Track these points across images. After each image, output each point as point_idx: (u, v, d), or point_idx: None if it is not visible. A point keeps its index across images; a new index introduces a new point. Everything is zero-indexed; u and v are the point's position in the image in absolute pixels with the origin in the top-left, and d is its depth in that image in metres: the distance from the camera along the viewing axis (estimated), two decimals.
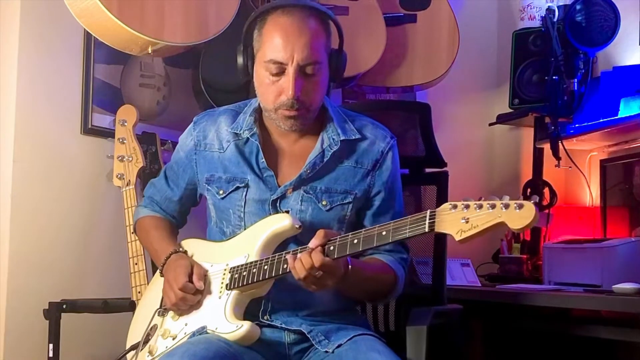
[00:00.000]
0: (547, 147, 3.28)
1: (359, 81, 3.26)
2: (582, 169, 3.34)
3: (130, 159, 2.71)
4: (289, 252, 1.82)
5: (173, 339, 1.93)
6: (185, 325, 1.94)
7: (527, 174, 3.49)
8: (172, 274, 1.94)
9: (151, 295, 2.09)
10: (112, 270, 2.85)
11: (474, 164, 3.83)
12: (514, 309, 2.72)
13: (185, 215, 2.20)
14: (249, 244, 1.92)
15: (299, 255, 1.77)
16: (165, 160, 2.70)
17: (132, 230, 2.44)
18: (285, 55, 1.88)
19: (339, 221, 1.97)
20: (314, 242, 1.77)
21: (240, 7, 2.74)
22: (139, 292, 2.56)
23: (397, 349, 1.88)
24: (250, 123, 2.00)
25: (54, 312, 2.57)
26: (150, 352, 1.96)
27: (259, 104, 2.01)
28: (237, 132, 2.01)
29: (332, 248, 1.77)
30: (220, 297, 1.91)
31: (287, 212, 1.94)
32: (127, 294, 2.62)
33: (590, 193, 3.37)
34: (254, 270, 1.86)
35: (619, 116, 2.97)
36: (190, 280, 1.92)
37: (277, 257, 1.84)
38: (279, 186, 1.96)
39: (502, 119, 3.53)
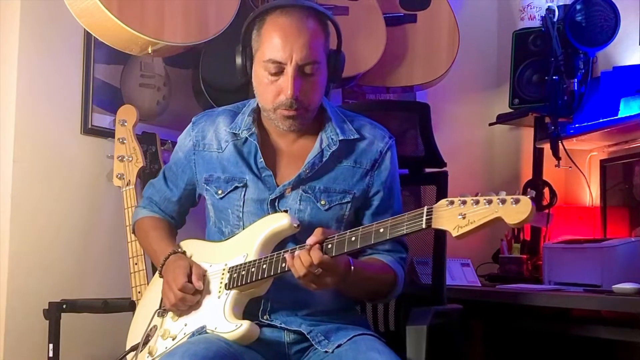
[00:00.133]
0: (547, 147, 3.28)
1: (359, 81, 3.26)
2: (582, 169, 3.34)
3: (130, 159, 2.71)
4: (287, 251, 1.82)
5: (173, 339, 1.93)
6: (185, 325, 1.94)
7: (527, 174, 3.49)
8: (171, 275, 1.95)
9: (151, 295, 2.09)
10: (112, 270, 2.85)
11: (474, 164, 3.83)
12: (514, 309, 2.72)
13: (184, 215, 2.20)
14: (247, 243, 1.92)
15: (297, 253, 1.77)
16: (165, 160, 2.70)
17: (132, 231, 2.44)
18: (284, 55, 1.88)
19: (337, 221, 1.97)
20: (312, 239, 1.77)
21: (240, 7, 2.74)
22: (139, 292, 2.56)
23: (397, 349, 1.88)
24: (249, 123, 2.00)
25: (54, 312, 2.57)
26: (150, 353, 1.96)
27: (257, 104, 2.01)
28: (236, 132, 2.01)
29: (330, 246, 1.77)
30: (219, 297, 1.91)
31: (286, 211, 1.94)
32: (127, 294, 2.62)
33: (590, 193, 3.37)
34: (253, 269, 1.86)
35: (619, 116, 2.97)
36: (190, 281, 1.92)
37: (275, 256, 1.85)
38: (278, 186, 1.96)
39: (502, 119, 3.53)
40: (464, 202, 1.61)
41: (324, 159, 1.97)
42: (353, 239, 1.75)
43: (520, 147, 3.78)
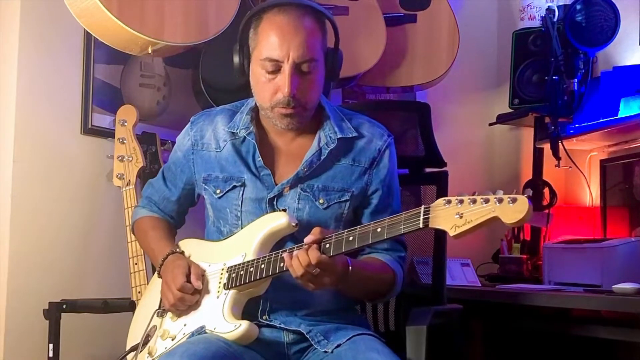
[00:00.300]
0: (547, 147, 3.28)
1: (359, 81, 3.26)
2: (582, 169, 3.34)
3: (130, 159, 2.71)
4: (285, 251, 1.82)
5: (172, 339, 1.93)
6: (184, 325, 1.94)
7: (527, 174, 3.49)
8: (170, 275, 1.94)
9: (150, 295, 2.09)
10: (112, 270, 2.85)
11: (474, 163, 3.83)
12: (514, 309, 2.72)
13: (184, 215, 2.20)
14: (246, 242, 1.92)
15: (295, 252, 1.77)
16: (165, 160, 2.69)
17: (131, 230, 2.44)
18: (281, 53, 1.88)
19: (336, 219, 1.97)
20: (309, 238, 1.77)
21: (240, 7, 2.74)
22: (139, 292, 2.56)
23: (397, 349, 1.87)
24: (247, 122, 2.00)
25: (54, 312, 2.57)
26: (149, 353, 1.96)
27: (255, 103, 2.01)
28: (234, 131, 2.01)
29: (328, 246, 1.77)
30: (218, 297, 1.91)
31: (284, 210, 1.94)
32: (127, 294, 2.62)
33: (590, 193, 3.37)
34: (251, 269, 1.86)
35: (619, 116, 2.97)
36: (188, 281, 1.92)
37: (273, 255, 1.84)
38: (276, 185, 1.96)
39: (502, 119, 3.53)
40: (461, 202, 1.61)
41: (322, 157, 1.97)
42: (351, 238, 1.75)
43: (520, 147, 3.78)
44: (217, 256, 1.97)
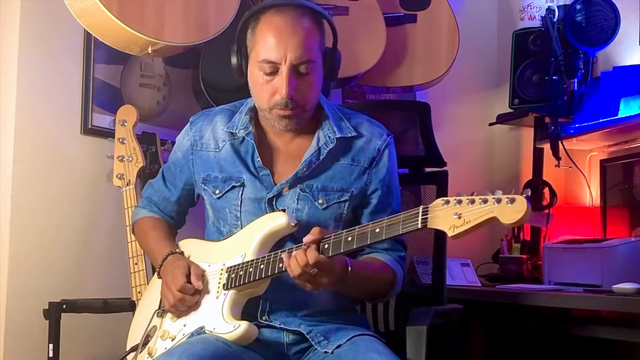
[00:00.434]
0: (547, 147, 3.28)
1: (359, 81, 3.26)
2: (582, 169, 3.34)
3: (130, 159, 2.71)
4: (284, 251, 1.81)
5: (172, 340, 1.93)
6: (184, 326, 1.94)
7: (527, 174, 3.49)
8: (170, 276, 1.94)
9: (150, 295, 2.09)
10: (112, 270, 2.85)
11: (474, 163, 3.83)
12: (514, 309, 2.72)
13: (184, 215, 2.20)
14: (245, 243, 1.92)
15: (293, 253, 1.77)
16: (165, 160, 2.69)
17: (131, 231, 2.44)
18: (278, 54, 1.87)
19: (335, 220, 1.96)
20: (308, 238, 1.77)
21: (240, 7, 2.74)
22: (139, 292, 2.56)
23: (397, 349, 1.87)
24: (246, 122, 2.00)
25: (54, 312, 2.57)
26: (149, 354, 1.95)
27: (254, 103, 2.01)
28: (233, 131, 2.01)
29: (326, 246, 1.76)
30: (217, 297, 1.91)
31: (284, 210, 1.93)
32: (127, 294, 2.62)
33: (590, 193, 3.37)
34: (251, 269, 1.86)
35: (619, 116, 2.97)
36: (188, 281, 1.92)
37: (272, 256, 1.84)
38: (275, 185, 1.96)
39: (502, 119, 3.53)
40: (460, 202, 1.60)
41: (321, 157, 1.97)
42: (349, 239, 1.75)
43: (520, 147, 3.78)
44: (216, 256, 1.97)
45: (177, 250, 2.04)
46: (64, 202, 2.82)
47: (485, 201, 1.57)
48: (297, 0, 1.93)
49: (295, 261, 1.75)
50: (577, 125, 3.16)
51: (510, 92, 3.43)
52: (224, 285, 1.91)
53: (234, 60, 1.99)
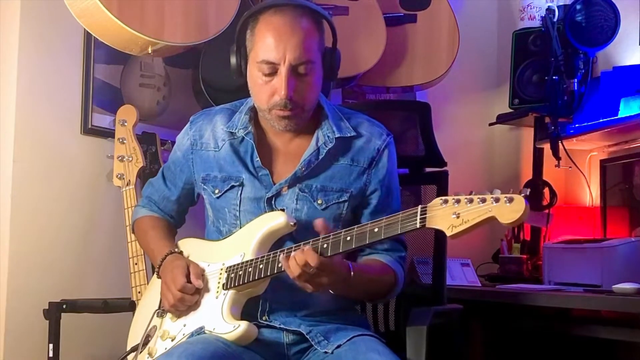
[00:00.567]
0: (547, 147, 3.28)
1: (359, 81, 3.26)
2: (582, 169, 3.34)
3: (130, 159, 2.71)
4: (283, 251, 1.81)
5: (172, 340, 1.93)
6: (184, 326, 1.94)
7: (527, 174, 3.49)
8: (170, 275, 1.94)
9: (150, 295, 2.09)
10: (112, 270, 2.85)
11: (474, 163, 3.83)
12: (514, 309, 2.72)
13: (184, 214, 2.20)
14: (244, 242, 1.92)
15: (292, 253, 1.77)
16: (165, 160, 2.69)
17: (131, 230, 2.44)
18: (277, 55, 1.87)
19: (334, 220, 1.96)
20: (320, 224, 1.77)
21: (240, 7, 2.74)
22: (139, 292, 2.56)
23: (397, 349, 1.87)
24: (246, 122, 2.00)
25: (54, 312, 2.57)
26: (149, 354, 1.95)
27: (254, 103, 2.01)
28: (233, 131, 2.01)
29: (325, 246, 1.76)
30: (217, 297, 1.91)
31: (283, 210, 1.93)
32: (127, 294, 2.62)
33: (590, 193, 3.37)
34: (250, 269, 1.86)
35: (619, 116, 2.97)
36: (188, 281, 1.92)
37: (272, 255, 1.84)
38: (274, 184, 1.96)
39: (502, 119, 3.53)
40: (458, 201, 1.60)
41: (320, 157, 1.97)
42: (348, 238, 1.75)
43: (520, 147, 3.78)
44: (216, 256, 1.97)
45: (177, 249, 2.03)
46: (64, 202, 2.82)
47: (483, 200, 1.57)
48: (296, 0, 1.92)
49: (294, 262, 1.75)
50: (577, 125, 3.16)
51: (510, 92, 3.43)
52: (223, 285, 1.90)
53: (233, 60, 1.98)
